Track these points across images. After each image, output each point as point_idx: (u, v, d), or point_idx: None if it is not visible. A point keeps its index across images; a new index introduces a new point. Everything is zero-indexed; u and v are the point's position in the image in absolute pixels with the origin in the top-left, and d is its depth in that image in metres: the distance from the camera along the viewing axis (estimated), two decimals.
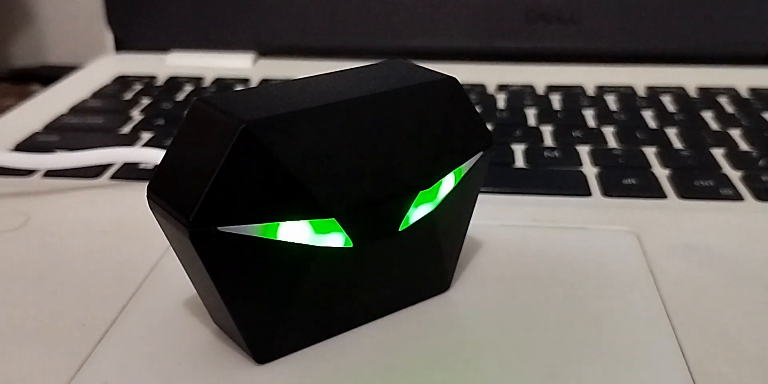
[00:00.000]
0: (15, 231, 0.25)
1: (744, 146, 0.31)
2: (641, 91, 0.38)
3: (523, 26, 0.41)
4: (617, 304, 0.20)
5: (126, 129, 0.34)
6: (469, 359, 0.18)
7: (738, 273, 0.22)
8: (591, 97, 0.37)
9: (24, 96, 0.43)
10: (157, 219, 0.17)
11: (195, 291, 0.19)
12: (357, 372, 0.18)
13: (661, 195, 0.27)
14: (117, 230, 0.25)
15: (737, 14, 0.40)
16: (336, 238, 0.17)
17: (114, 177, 0.29)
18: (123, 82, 0.40)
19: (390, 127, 0.17)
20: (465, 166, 0.19)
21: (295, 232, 0.17)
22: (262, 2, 0.42)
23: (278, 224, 0.16)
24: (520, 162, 0.30)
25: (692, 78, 0.39)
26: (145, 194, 0.17)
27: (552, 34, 0.41)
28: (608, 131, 0.33)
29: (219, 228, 0.16)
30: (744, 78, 0.39)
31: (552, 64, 0.42)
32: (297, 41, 0.43)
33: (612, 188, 0.27)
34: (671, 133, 0.32)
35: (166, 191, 0.16)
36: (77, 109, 0.36)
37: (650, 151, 0.30)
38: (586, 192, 0.27)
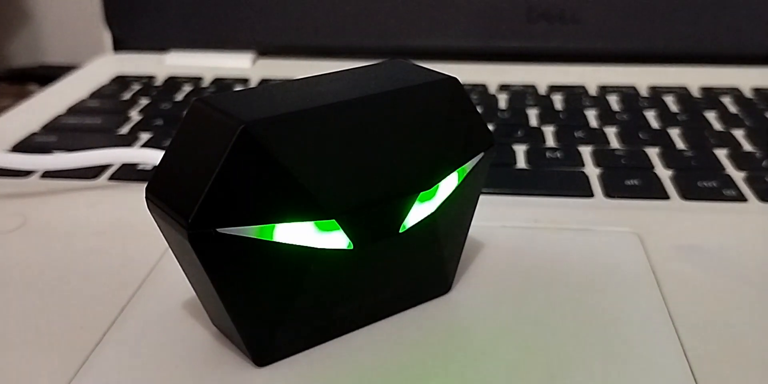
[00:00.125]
0: (12, 232, 0.25)
1: (747, 147, 0.31)
2: (644, 91, 0.38)
3: (524, 26, 0.41)
4: (619, 305, 0.20)
5: (124, 129, 0.34)
6: (471, 361, 0.18)
7: (741, 274, 0.22)
8: (593, 97, 0.37)
9: (21, 96, 0.43)
10: (155, 220, 0.17)
11: (194, 293, 0.19)
12: (357, 375, 0.18)
13: (664, 196, 0.27)
14: (115, 232, 0.25)
15: (741, 13, 0.40)
16: (336, 240, 0.17)
17: (112, 178, 0.29)
18: (121, 82, 0.40)
19: (390, 128, 0.17)
20: (466, 167, 0.19)
21: (294, 233, 0.17)
22: (261, 1, 0.42)
23: (277, 226, 0.16)
24: (521, 163, 0.30)
25: (695, 78, 0.39)
26: (144, 195, 0.17)
27: (554, 33, 0.41)
28: (610, 132, 0.33)
29: (218, 229, 0.15)
30: (747, 78, 0.39)
31: (554, 63, 0.42)
32: (297, 41, 0.43)
33: (614, 189, 0.27)
34: (674, 133, 0.32)
35: (165, 192, 0.16)
36: (75, 110, 0.36)
37: (653, 152, 0.30)
38: (588, 193, 0.27)
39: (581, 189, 0.27)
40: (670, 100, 0.37)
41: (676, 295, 0.21)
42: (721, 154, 0.30)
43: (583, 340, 0.19)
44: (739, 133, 0.32)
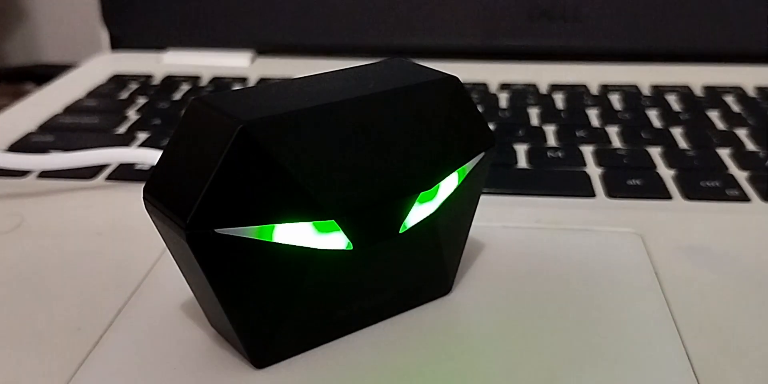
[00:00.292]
0: (9, 233, 0.25)
1: (751, 146, 0.31)
2: (646, 90, 0.38)
3: (525, 24, 0.41)
4: (621, 306, 0.20)
5: (122, 129, 0.34)
6: (472, 363, 0.18)
7: (744, 275, 0.22)
8: (595, 96, 0.37)
9: (18, 95, 0.43)
10: (153, 221, 0.17)
11: (192, 294, 0.19)
12: (357, 377, 0.18)
13: (666, 196, 0.27)
14: (113, 232, 0.25)
15: (744, 11, 0.40)
16: (335, 240, 0.17)
17: (110, 178, 0.29)
18: (119, 81, 0.40)
19: (390, 128, 0.17)
20: (467, 167, 0.19)
21: (293, 234, 0.17)
22: (260, 0, 0.42)
23: (276, 226, 0.16)
24: (522, 162, 0.30)
25: (698, 76, 0.39)
26: (142, 196, 0.17)
27: (555, 32, 0.41)
28: (612, 131, 0.33)
29: (216, 230, 0.15)
30: (751, 76, 0.39)
31: (555, 62, 0.41)
32: (296, 39, 0.43)
33: (616, 189, 0.27)
34: (676, 132, 0.32)
35: (163, 192, 0.16)
36: (72, 109, 0.36)
37: (655, 151, 0.30)
38: (590, 193, 0.27)
39: (583, 189, 0.27)
40: (672, 99, 0.36)
41: (678, 295, 0.21)
42: (724, 153, 0.30)
43: (585, 342, 0.19)
44: (742, 133, 0.32)
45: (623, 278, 0.22)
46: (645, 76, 0.39)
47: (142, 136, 0.33)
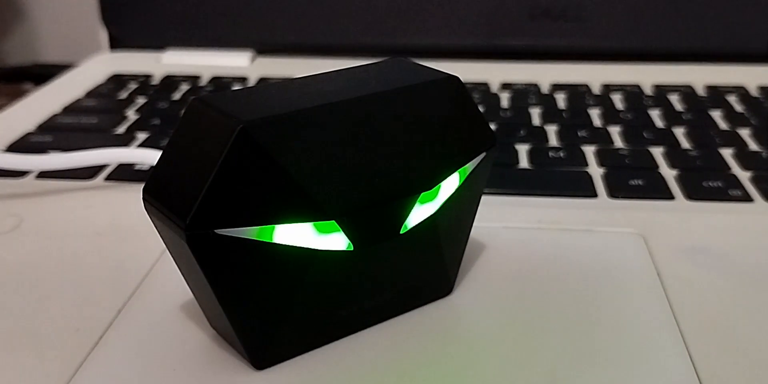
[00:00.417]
0: (7, 234, 0.25)
1: (753, 146, 0.31)
2: (648, 90, 0.38)
3: (527, 23, 0.41)
4: (624, 307, 0.20)
5: (121, 129, 0.34)
6: (473, 364, 0.18)
7: (747, 276, 0.22)
8: (597, 95, 0.37)
9: (16, 95, 0.43)
10: (153, 221, 0.17)
11: (192, 295, 0.19)
12: (357, 378, 0.18)
13: (669, 196, 0.27)
14: (112, 233, 0.25)
15: (747, 10, 0.40)
16: (336, 241, 0.17)
17: (109, 178, 0.29)
18: (118, 81, 0.40)
19: (391, 128, 0.17)
20: (468, 167, 0.19)
21: (293, 234, 0.17)
22: None
23: (276, 227, 0.16)
24: (524, 162, 0.30)
25: (700, 76, 0.39)
26: (141, 196, 0.17)
27: (556, 31, 0.41)
28: (614, 131, 0.33)
29: (216, 231, 0.15)
30: (753, 76, 0.39)
31: (557, 62, 0.41)
32: (296, 39, 0.43)
33: (618, 189, 0.27)
34: (679, 132, 0.32)
35: (163, 193, 0.16)
36: (71, 109, 0.36)
37: (657, 151, 0.30)
38: (592, 193, 0.27)
39: (585, 189, 0.27)
40: (674, 99, 0.36)
41: (680, 296, 0.21)
42: (727, 153, 0.30)
43: (587, 343, 0.19)
44: (744, 133, 0.32)
45: (625, 279, 0.22)
46: (647, 75, 0.39)
47: (142, 136, 0.33)
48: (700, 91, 0.37)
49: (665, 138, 0.31)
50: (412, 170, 0.18)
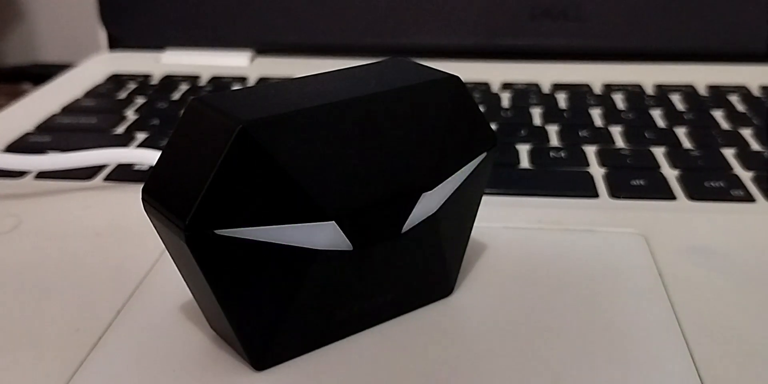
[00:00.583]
0: (6, 234, 0.25)
1: (755, 146, 0.31)
2: (649, 90, 0.38)
3: (527, 23, 0.41)
4: (625, 308, 0.20)
5: (120, 129, 0.34)
6: (473, 365, 0.18)
7: (749, 276, 0.22)
8: (598, 95, 0.37)
9: (15, 95, 0.43)
10: (152, 222, 0.17)
11: (191, 295, 0.19)
12: (357, 379, 0.18)
13: (670, 196, 0.27)
14: (111, 233, 0.24)
15: (748, 10, 0.40)
16: (336, 241, 0.17)
17: (108, 178, 0.28)
18: (117, 80, 0.40)
19: (391, 128, 0.17)
20: (469, 167, 0.19)
21: (293, 235, 0.17)
22: None
23: (277, 227, 0.16)
24: (525, 162, 0.29)
25: (702, 76, 0.39)
26: (140, 196, 0.17)
27: (557, 31, 0.41)
28: (616, 131, 0.33)
29: (216, 231, 0.15)
30: (755, 76, 0.39)
31: (558, 62, 0.41)
32: (295, 39, 0.43)
33: (620, 189, 0.27)
34: (680, 132, 0.32)
35: (162, 193, 0.16)
36: (70, 109, 0.36)
37: (659, 151, 0.30)
38: (593, 193, 0.27)
39: (586, 189, 0.27)
40: (676, 99, 0.36)
41: (683, 297, 0.21)
42: (729, 153, 0.30)
43: (588, 344, 0.19)
44: (746, 132, 0.32)
45: (627, 279, 0.22)
46: (648, 75, 0.39)
47: (141, 136, 0.33)
48: (702, 91, 0.37)
49: (667, 138, 0.31)
50: (412, 170, 0.18)
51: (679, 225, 0.25)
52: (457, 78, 0.18)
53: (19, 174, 0.29)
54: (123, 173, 0.29)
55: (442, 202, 0.19)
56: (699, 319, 0.20)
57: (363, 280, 0.18)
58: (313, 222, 0.16)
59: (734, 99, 0.36)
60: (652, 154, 0.30)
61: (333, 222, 0.17)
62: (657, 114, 0.34)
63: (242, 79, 0.40)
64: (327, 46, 0.43)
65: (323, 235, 0.17)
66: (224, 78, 0.40)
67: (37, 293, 0.21)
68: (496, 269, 0.22)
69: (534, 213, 0.25)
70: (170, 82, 0.40)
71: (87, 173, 0.28)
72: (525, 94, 0.37)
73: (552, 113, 0.34)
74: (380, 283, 0.19)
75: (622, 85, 0.38)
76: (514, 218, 0.25)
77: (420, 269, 0.19)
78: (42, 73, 0.48)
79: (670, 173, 0.28)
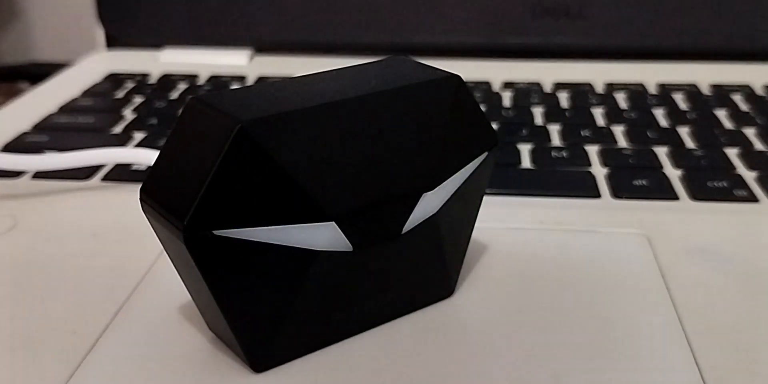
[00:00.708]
0: (2, 235, 0.25)
1: (759, 146, 0.31)
2: (652, 89, 0.38)
3: (529, 21, 0.41)
4: (627, 309, 0.20)
5: (118, 129, 0.34)
6: (474, 367, 0.18)
7: (752, 277, 0.22)
8: (600, 94, 0.37)
9: (12, 94, 0.43)
10: (150, 222, 0.17)
11: (189, 297, 0.19)
12: (357, 381, 0.18)
13: (673, 196, 0.27)
14: (109, 234, 0.24)
15: (752, 9, 0.40)
16: (336, 242, 0.17)
17: (105, 178, 0.28)
18: (115, 79, 0.40)
19: (391, 127, 0.17)
20: (469, 167, 0.19)
21: (293, 235, 0.16)
22: None
23: (276, 228, 0.16)
24: (526, 162, 0.29)
25: (705, 75, 0.39)
26: (138, 196, 0.17)
27: (559, 29, 0.41)
28: (618, 130, 0.32)
29: (215, 232, 0.15)
30: (759, 75, 0.39)
31: (559, 60, 0.41)
32: (295, 37, 0.43)
33: (622, 189, 0.27)
34: (683, 132, 0.32)
35: (160, 193, 0.16)
36: (67, 108, 0.36)
37: (662, 151, 0.30)
38: (595, 193, 0.27)
39: (588, 189, 0.27)
40: (679, 98, 0.36)
41: (685, 298, 0.21)
42: (732, 153, 0.30)
43: (590, 345, 0.19)
44: (750, 132, 0.32)
45: (629, 280, 0.21)
46: (651, 74, 0.39)
47: (139, 135, 0.32)
48: (705, 90, 0.37)
49: (669, 137, 0.31)
50: (413, 170, 0.17)
51: (682, 225, 0.25)
52: (458, 77, 0.18)
53: (16, 174, 0.29)
54: (121, 173, 0.28)
55: (443, 203, 0.19)
56: (702, 320, 0.20)
57: (363, 281, 0.18)
58: (313, 222, 0.16)
59: (738, 98, 0.36)
60: (654, 154, 0.30)
61: (333, 222, 0.17)
62: (660, 113, 0.34)
63: (241, 78, 0.40)
64: (327, 45, 0.43)
65: (323, 236, 0.17)
66: (223, 77, 0.40)
67: (33, 295, 0.21)
68: (497, 270, 0.22)
69: (535, 213, 0.25)
70: (168, 81, 0.40)
71: (84, 173, 0.28)
72: (526, 93, 0.37)
73: (554, 112, 0.34)
74: (380, 285, 0.19)
75: (625, 84, 0.38)
76: (516, 219, 0.25)
77: (420, 270, 0.19)
78: (39, 72, 0.48)
79: (673, 173, 0.28)
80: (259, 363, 0.18)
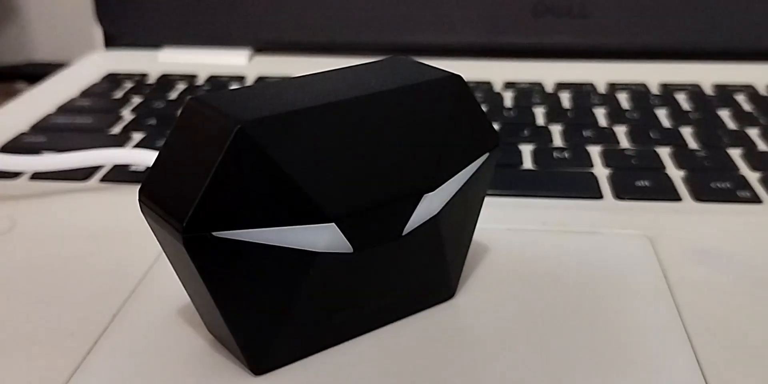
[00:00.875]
0: (1, 236, 0.25)
1: (762, 146, 0.31)
2: (655, 89, 0.38)
3: (530, 21, 0.41)
4: (630, 311, 0.20)
5: (116, 129, 0.34)
6: (475, 369, 0.18)
7: (756, 278, 0.22)
8: (602, 95, 0.37)
9: (9, 95, 0.43)
10: (149, 224, 0.17)
11: (189, 298, 0.19)
12: (357, 383, 0.18)
13: (676, 197, 0.27)
14: (107, 235, 0.24)
15: (755, 8, 0.40)
16: (336, 243, 0.17)
17: (104, 180, 0.28)
18: (113, 80, 0.40)
19: (392, 128, 0.17)
20: (471, 168, 0.19)
21: (293, 237, 0.16)
22: None
23: (276, 229, 0.16)
24: (528, 163, 0.29)
25: (708, 75, 0.39)
26: (137, 198, 0.17)
27: (561, 28, 0.41)
28: (620, 131, 0.32)
29: (214, 233, 0.15)
30: (762, 75, 0.39)
31: (561, 60, 0.41)
32: (295, 37, 0.43)
33: (624, 190, 0.27)
34: (686, 132, 0.32)
35: (159, 195, 0.16)
36: (65, 109, 0.36)
37: (664, 152, 0.30)
38: (598, 194, 0.27)
39: (590, 190, 0.27)
40: (681, 98, 0.36)
41: (688, 299, 0.21)
42: (735, 153, 0.30)
43: (592, 347, 0.19)
44: (753, 132, 0.32)
45: (631, 282, 0.21)
46: (654, 74, 0.39)
47: (138, 136, 0.32)
48: (708, 90, 0.37)
49: (672, 138, 0.31)
50: (413, 171, 0.17)
51: (685, 227, 0.24)
52: (459, 77, 0.18)
53: (14, 175, 0.29)
54: (119, 174, 0.28)
55: (444, 204, 0.18)
56: (704, 321, 0.20)
57: (363, 283, 0.18)
58: (313, 224, 0.16)
59: (741, 98, 0.36)
60: (657, 155, 0.30)
61: (333, 224, 0.17)
62: (662, 114, 0.34)
63: (240, 78, 0.40)
64: (327, 45, 0.43)
65: (323, 237, 0.17)
66: (222, 77, 0.40)
67: (31, 296, 0.21)
68: (498, 272, 0.22)
69: (537, 214, 0.25)
70: (167, 81, 0.40)
71: (83, 174, 0.28)
72: (528, 93, 0.37)
73: (555, 113, 0.34)
74: (380, 286, 0.19)
75: (627, 85, 0.38)
76: (517, 220, 0.25)
77: (421, 272, 0.19)
78: (37, 72, 0.48)
79: (676, 174, 0.28)
80: (258, 365, 0.18)
